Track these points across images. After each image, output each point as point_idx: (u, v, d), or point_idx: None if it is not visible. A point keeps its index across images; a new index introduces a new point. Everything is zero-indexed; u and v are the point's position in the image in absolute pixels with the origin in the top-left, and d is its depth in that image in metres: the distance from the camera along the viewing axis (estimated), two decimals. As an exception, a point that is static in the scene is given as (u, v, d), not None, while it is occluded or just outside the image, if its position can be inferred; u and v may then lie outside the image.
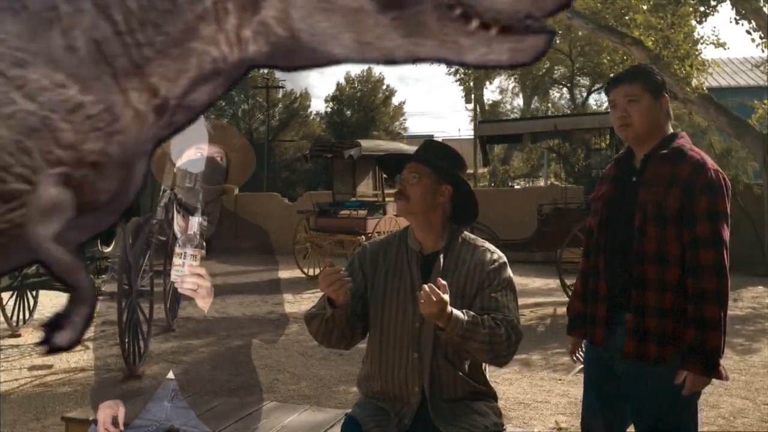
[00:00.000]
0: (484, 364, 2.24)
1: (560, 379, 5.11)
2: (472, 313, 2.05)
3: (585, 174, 14.38)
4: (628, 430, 2.46)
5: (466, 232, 2.31)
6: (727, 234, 2.17)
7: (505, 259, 2.25)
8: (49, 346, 1.05)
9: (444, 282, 1.97)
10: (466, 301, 2.14)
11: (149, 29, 0.96)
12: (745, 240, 14.10)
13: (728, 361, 5.72)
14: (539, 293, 9.26)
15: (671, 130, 2.34)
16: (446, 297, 1.94)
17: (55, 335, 1.05)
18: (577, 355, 2.54)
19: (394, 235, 2.34)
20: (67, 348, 1.08)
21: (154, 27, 0.96)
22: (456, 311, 1.99)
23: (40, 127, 0.95)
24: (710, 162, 2.24)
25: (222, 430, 2.54)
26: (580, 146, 15.72)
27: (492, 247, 2.27)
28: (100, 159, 0.98)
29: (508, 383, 5.00)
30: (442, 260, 2.19)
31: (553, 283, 9.07)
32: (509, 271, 2.23)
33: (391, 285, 2.21)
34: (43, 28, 0.95)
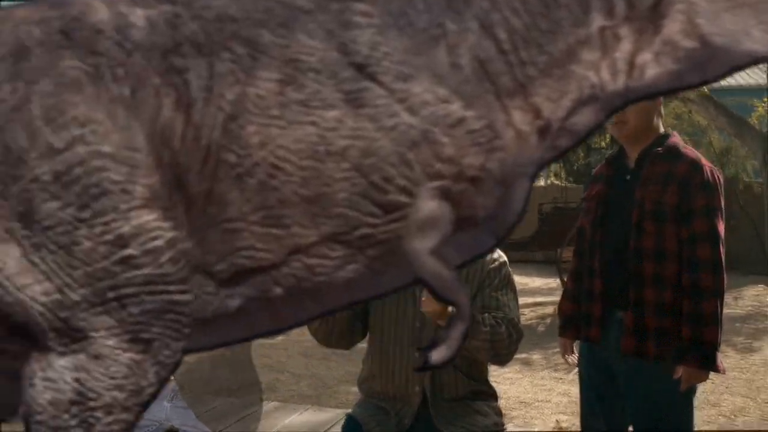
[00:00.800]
0: (486, 364, 2.24)
1: (561, 379, 5.10)
2: (473, 312, 2.05)
3: (585, 173, 14.38)
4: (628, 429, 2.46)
5: None
6: (722, 229, 2.18)
7: (504, 258, 2.25)
8: (426, 364, 1.05)
9: None
10: None
11: (532, 48, 0.95)
12: (745, 239, 14.09)
13: (729, 359, 5.71)
14: (539, 292, 9.26)
15: (663, 129, 2.35)
16: None
17: (431, 353, 1.04)
18: (571, 357, 2.54)
19: None
20: (442, 366, 1.08)
21: (537, 47, 0.95)
22: None
23: (421, 141, 0.95)
24: (704, 160, 2.27)
25: (222, 430, 2.54)
26: (580, 145, 15.72)
27: None
28: (479, 174, 0.98)
29: (509, 382, 4.99)
30: None
31: (554, 282, 9.06)
32: (509, 270, 2.24)
33: None
34: (429, 45, 0.96)
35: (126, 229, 0.92)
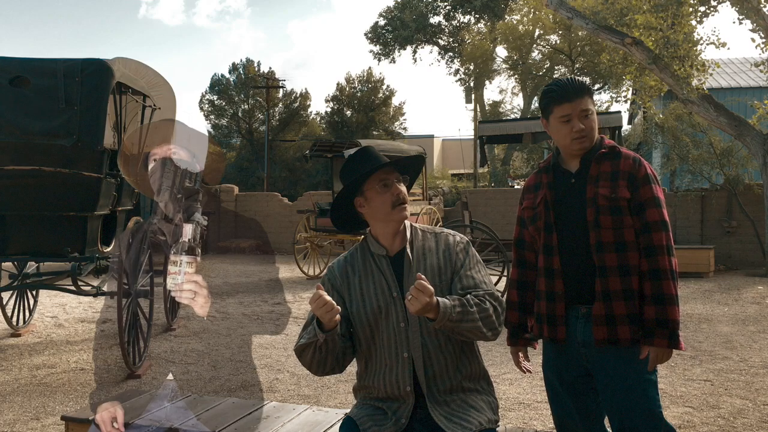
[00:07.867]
0: (476, 352, 2.28)
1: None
2: (455, 296, 2.10)
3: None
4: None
5: (415, 224, 2.37)
6: (668, 216, 2.35)
7: (466, 238, 2.34)
8: None
9: (421, 274, 2.01)
10: (445, 285, 2.18)
11: None
12: (745, 240, 14.10)
13: (728, 361, 5.72)
14: (539, 293, 9.25)
15: None
16: (431, 287, 1.98)
17: None
18: (525, 364, 2.59)
19: (354, 249, 2.37)
20: None
21: None
22: (441, 299, 2.03)
23: None
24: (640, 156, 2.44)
25: (222, 429, 2.54)
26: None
27: (451, 231, 2.35)
28: None
29: (508, 383, 5.00)
30: (410, 255, 2.23)
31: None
32: (473, 248, 2.32)
33: (368, 293, 2.23)
34: None
35: None
